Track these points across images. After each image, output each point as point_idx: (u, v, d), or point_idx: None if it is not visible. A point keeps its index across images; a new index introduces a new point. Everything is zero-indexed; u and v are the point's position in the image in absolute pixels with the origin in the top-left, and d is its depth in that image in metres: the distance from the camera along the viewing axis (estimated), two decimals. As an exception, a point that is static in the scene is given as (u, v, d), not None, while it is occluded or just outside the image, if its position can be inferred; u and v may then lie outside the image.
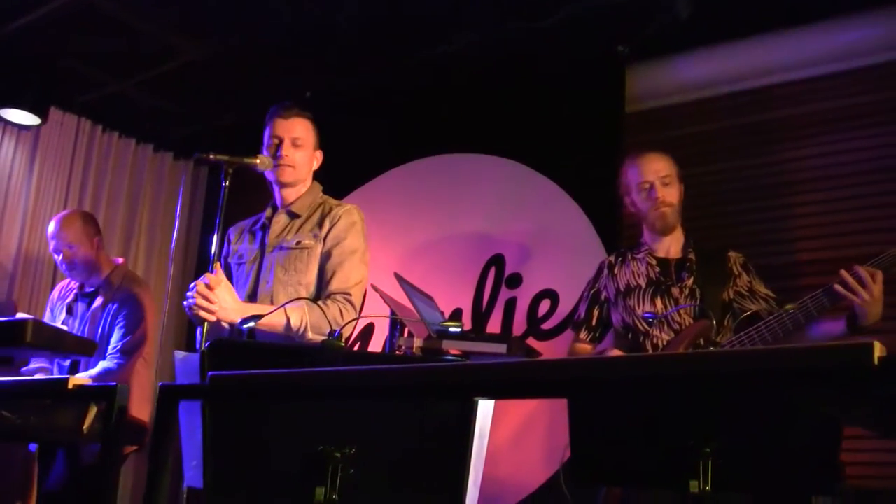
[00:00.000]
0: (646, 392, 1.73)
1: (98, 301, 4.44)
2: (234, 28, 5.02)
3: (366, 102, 5.65)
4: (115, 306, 4.37)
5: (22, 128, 5.82)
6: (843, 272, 3.14)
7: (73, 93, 5.89)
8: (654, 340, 3.49)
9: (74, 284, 4.57)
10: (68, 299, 4.54)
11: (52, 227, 4.50)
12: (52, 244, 4.51)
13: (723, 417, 1.71)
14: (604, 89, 4.94)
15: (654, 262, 3.64)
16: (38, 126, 5.82)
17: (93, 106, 6.10)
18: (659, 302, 3.53)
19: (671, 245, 3.67)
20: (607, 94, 4.92)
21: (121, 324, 4.33)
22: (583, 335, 3.79)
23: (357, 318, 3.29)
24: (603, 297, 3.74)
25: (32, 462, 5.44)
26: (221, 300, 3.09)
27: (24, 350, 3.89)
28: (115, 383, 4.13)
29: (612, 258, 3.79)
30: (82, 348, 4.04)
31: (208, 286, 3.08)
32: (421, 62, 5.18)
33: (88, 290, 4.50)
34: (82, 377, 4.19)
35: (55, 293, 4.70)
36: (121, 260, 4.70)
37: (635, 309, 3.57)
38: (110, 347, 4.30)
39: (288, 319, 3.15)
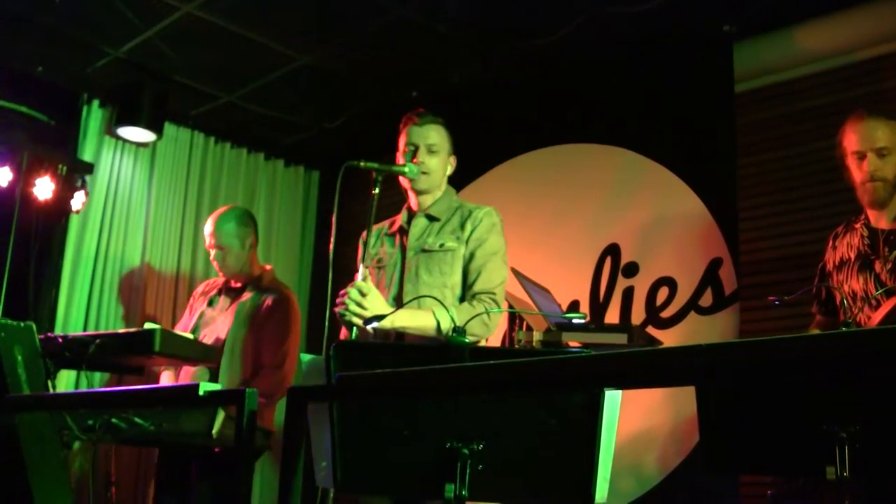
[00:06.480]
0: (776, 377, 1.69)
1: (246, 296, 4.48)
2: (336, 32, 5.07)
3: (472, 98, 5.63)
4: (266, 307, 4.41)
5: (139, 145, 6.00)
6: None
7: (185, 107, 6.04)
8: (858, 318, 3.30)
9: (220, 281, 4.65)
10: (211, 293, 4.61)
11: (208, 224, 4.55)
12: (206, 240, 4.58)
13: (860, 400, 1.65)
14: (712, 70, 4.84)
15: (866, 232, 3.38)
16: (155, 142, 6.00)
17: (204, 118, 6.25)
18: (861, 278, 3.32)
19: (885, 214, 3.37)
20: (716, 75, 4.82)
21: (277, 327, 4.39)
22: (814, 309, 3.61)
23: (482, 313, 3.28)
24: (828, 270, 3.53)
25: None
26: (372, 306, 3.15)
27: (153, 358, 4.00)
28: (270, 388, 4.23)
29: (840, 228, 3.55)
30: (209, 356, 4.14)
31: (361, 293, 3.14)
32: (525, 53, 5.14)
33: (235, 285, 4.57)
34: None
35: (200, 288, 4.78)
36: (269, 266, 4.77)
37: (843, 285, 3.37)
38: (275, 353, 4.36)
39: (438, 323, 3.19)
